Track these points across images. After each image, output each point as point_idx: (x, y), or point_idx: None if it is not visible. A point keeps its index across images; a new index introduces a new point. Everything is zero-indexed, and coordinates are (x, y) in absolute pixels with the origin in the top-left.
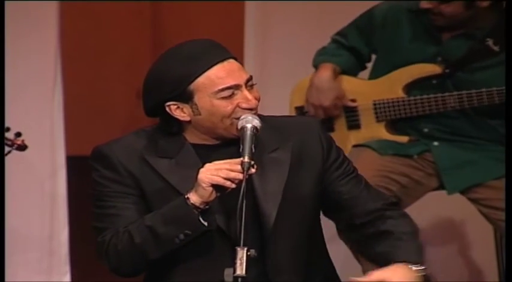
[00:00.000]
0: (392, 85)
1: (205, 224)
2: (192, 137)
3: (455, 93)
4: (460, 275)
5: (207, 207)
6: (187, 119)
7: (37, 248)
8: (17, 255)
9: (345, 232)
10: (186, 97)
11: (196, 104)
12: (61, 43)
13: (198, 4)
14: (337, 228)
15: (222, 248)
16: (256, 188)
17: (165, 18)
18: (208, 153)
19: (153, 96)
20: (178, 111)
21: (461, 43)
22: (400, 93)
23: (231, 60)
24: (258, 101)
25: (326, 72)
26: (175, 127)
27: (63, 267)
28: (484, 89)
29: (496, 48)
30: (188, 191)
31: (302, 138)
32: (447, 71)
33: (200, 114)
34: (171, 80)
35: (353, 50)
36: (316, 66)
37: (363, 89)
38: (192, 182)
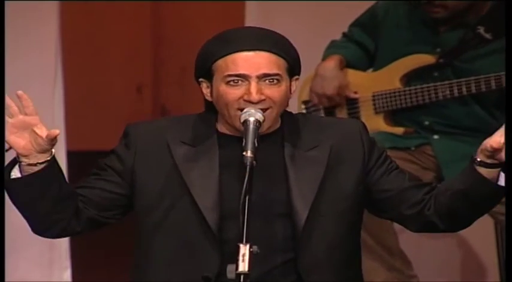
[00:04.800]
0: (390, 76)
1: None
2: (220, 125)
3: (454, 80)
4: (461, 270)
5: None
6: (210, 98)
7: (38, 243)
8: (18, 249)
9: (409, 223)
10: (209, 76)
11: (212, 85)
12: (62, 39)
13: (198, 4)
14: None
15: (204, 243)
16: (290, 185)
17: (165, 19)
18: (231, 145)
19: (195, 69)
20: (206, 89)
21: (459, 33)
22: (397, 84)
23: (263, 53)
24: (271, 98)
25: (330, 61)
26: (207, 104)
27: (63, 261)
28: (482, 76)
29: (487, 35)
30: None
31: (343, 139)
32: (441, 61)
33: (212, 97)
34: (202, 56)
35: (361, 45)
36: (324, 59)
37: (364, 81)
38: (201, 170)
